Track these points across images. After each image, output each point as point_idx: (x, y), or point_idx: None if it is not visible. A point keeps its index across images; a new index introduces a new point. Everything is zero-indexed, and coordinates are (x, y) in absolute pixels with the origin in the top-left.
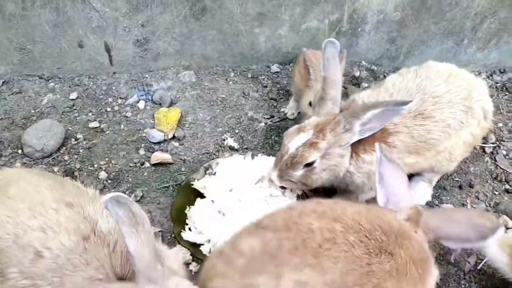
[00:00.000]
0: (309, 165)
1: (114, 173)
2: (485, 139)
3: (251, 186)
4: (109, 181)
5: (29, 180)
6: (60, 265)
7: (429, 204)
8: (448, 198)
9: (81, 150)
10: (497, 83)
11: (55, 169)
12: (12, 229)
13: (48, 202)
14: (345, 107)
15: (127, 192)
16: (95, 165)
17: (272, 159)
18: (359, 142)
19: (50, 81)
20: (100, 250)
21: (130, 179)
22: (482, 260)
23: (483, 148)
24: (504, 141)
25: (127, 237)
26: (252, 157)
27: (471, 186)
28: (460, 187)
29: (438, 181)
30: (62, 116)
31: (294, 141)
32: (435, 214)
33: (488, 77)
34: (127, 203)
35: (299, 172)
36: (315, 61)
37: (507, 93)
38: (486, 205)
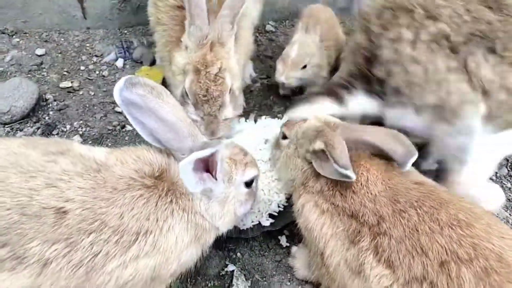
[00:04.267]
0: None
1: (90, 137)
2: None
3: (258, 148)
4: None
5: None
6: (91, 208)
7: None
8: None
9: (51, 112)
10: None
11: (20, 134)
12: (11, 202)
13: (37, 157)
14: None
15: None
16: (68, 127)
17: (275, 121)
18: None
19: (14, 36)
20: (117, 169)
21: (110, 144)
22: None
23: None
24: None
25: (158, 110)
26: (255, 120)
27: None
28: None
29: None
30: (29, 75)
31: None
32: (346, 133)
33: None
34: (141, 80)
35: None
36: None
37: None
38: None
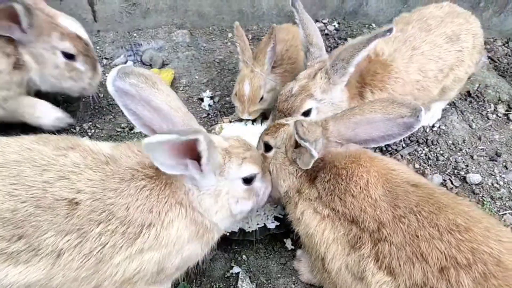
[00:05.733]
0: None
1: (99, 138)
2: (508, 106)
3: None
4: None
5: (7, 143)
6: (100, 199)
7: (455, 174)
8: (474, 168)
9: None
10: None
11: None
12: (26, 194)
13: (49, 152)
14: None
15: None
16: (77, 129)
17: None
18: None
19: None
20: (123, 162)
21: None
22: None
23: (507, 116)
24: None
25: (152, 99)
26: (261, 122)
27: (497, 155)
28: (486, 156)
29: (461, 149)
30: None
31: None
32: (342, 121)
33: (503, 44)
34: (134, 69)
35: None
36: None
37: None
38: None
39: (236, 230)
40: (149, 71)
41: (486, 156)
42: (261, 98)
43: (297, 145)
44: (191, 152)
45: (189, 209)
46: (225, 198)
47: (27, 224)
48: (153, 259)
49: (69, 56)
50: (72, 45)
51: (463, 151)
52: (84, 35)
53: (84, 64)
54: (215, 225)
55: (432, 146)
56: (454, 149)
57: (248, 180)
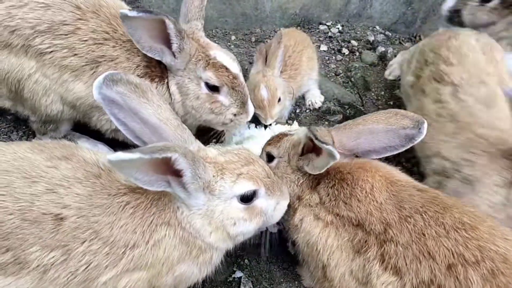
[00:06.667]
0: None
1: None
2: None
3: None
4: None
5: (2, 151)
6: (85, 216)
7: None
8: None
9: None
10: None
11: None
12: (13, 207)
13: (41, 163)
14: None
15: None
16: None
17: (285, 128)
18: None
19: None
20: (117, 174)
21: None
22: None
23: None
24: None
25: (140, 110)
26: (265, 127)
27: None
28: None
29: None
30: None
31: None
32: (345, 131)
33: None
34: (123, 77)
35: None
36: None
37: None
38: None
39: None
40: (140, 79)
41: None
42: (279, 100)
43: (302, 153)
44: (172, 168)
45: (178, 229)
46: (220, 219)
47: (14, 236)
48: (141, 277)
49: (212, 88)
50: (216, 76)
51: None
52: (234, 68)
53: (229, 97)
54: (211, 246)
55: None
56: None
57: (246, 199)
